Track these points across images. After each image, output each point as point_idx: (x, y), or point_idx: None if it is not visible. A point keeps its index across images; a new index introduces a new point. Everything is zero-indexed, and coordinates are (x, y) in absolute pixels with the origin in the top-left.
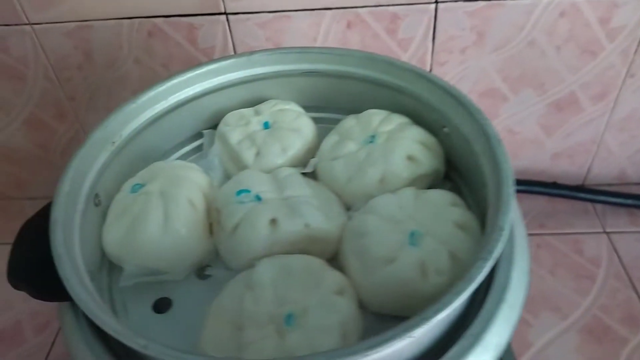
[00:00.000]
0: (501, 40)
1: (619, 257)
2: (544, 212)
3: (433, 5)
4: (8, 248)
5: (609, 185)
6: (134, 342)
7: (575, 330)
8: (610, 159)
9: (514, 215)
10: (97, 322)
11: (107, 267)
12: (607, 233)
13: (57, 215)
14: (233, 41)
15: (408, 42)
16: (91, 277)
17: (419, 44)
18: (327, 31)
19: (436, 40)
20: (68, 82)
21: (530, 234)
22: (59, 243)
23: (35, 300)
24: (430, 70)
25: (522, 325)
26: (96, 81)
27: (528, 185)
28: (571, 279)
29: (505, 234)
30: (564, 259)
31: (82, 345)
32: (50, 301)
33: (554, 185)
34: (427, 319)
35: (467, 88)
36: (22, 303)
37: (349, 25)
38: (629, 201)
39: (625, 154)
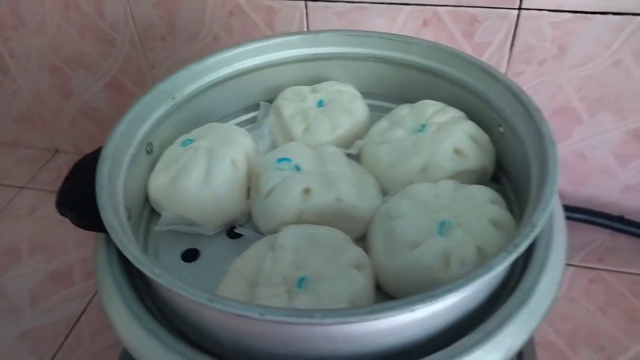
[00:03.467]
0: (584, 57)
1: None
2: (604, 246)
3: (516, 12)
4: None
5: None
6: (149, 270)
7: None
8: None
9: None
10: (120, 247)
11: (147, 213)
12: None
13: (108, 151)
14: (308, 28)
15: (484, 47)
16: (129, 215)
17: (495, 50)
18: (401, 27)
19: (514, 48)
20: (151, 51)
21: (585, 267)
22: (103, 176)
23: (87, 248)
24: None
25: (560, 358)
26: (176, 53)
27: (591, 215)
28: (623, 321)
29: (535, 231)
30: (619, 298)
31: (109, 275)
32: (89, 230)
33: (620, 219)
34: (433, 296)
35: (540, 103)
36: (76, 250)
37: (425, 24)
38: None
39: None
